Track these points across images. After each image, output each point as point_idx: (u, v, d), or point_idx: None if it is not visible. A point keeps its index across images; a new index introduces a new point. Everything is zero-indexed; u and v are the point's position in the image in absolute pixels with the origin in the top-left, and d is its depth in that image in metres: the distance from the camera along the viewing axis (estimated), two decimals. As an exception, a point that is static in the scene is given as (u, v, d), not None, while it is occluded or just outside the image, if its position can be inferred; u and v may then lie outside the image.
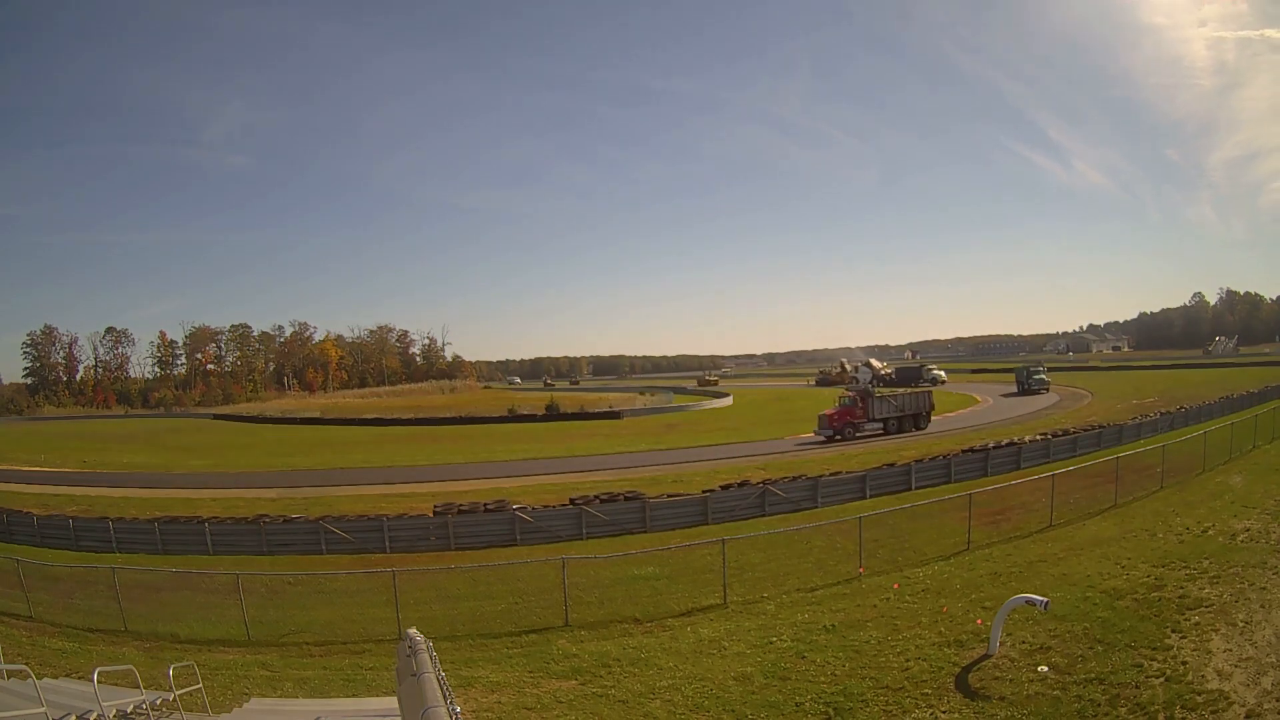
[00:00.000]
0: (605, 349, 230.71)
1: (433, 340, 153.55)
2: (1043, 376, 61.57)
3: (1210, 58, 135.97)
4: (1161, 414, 32.91)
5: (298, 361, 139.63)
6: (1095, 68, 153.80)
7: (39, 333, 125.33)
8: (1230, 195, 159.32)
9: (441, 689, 4.60)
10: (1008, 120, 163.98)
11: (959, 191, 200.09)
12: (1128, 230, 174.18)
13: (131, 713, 7.20)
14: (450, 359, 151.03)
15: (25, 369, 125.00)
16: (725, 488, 21.07)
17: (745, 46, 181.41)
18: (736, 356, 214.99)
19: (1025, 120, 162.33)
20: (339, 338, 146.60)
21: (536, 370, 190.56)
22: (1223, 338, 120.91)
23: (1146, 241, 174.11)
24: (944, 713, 8.26)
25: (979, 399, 56.68)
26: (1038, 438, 27.24)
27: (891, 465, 23.47)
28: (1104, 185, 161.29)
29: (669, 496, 20.96)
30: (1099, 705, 8.04)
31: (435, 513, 19.92)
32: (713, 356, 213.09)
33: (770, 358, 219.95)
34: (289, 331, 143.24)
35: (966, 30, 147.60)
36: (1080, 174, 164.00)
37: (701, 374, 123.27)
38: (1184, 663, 8.83)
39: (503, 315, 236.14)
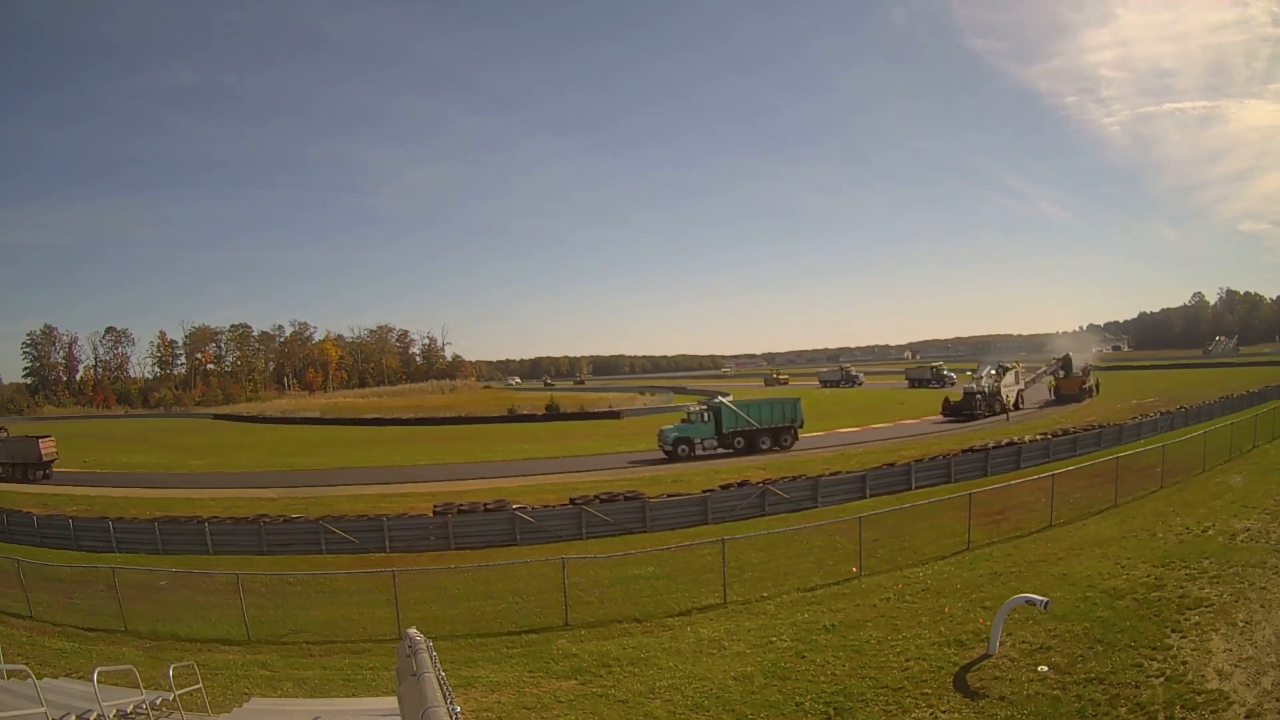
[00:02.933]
0: (605, 349, 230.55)
1: (433, 340, 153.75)
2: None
3: (1124, 132, 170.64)
4: (1161, 414, 32.90)
5: (298, 361, 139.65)
6: (1036, 144, 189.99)
7: (39, 333, 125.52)
8: (1182, 217, 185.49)
9: (441, 689, 4.60)
10: (974, 173, 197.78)
11: (945, 219, 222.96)
12: (1096, 249, 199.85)
13: (131, 713, 7.19)
14: (450, 359, 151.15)
15: (25, 369, 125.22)
16: (725, 487, 21.07)
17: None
18: (736, 356, 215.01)
19: (989, 174, 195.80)
20: (339, 338, 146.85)
21: (536, 370, 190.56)
22: (1223, 338, 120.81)
23: (1115, 256, 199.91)
24: (944, 712, 8.26)
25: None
26: (1038, 438, 27.25)
27: (891, 465, 23.47)
28: (1064, 216, 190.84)
29: (669, 496, 20.95)
30: (1099, 705, 8.04)
31: (435, 513, 19.92)
32: (713, 356, 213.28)
33: (770, 357, 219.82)
34: (289, 331, 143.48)
35: (939, 118, 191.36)
36: (1042, 209, 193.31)
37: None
38: (1184, 663, 8.83)
39: (503, 315, 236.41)
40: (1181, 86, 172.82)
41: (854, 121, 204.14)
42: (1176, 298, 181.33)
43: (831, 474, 22.47)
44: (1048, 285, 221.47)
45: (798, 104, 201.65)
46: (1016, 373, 45.31)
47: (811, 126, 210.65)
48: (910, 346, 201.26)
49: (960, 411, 41.85)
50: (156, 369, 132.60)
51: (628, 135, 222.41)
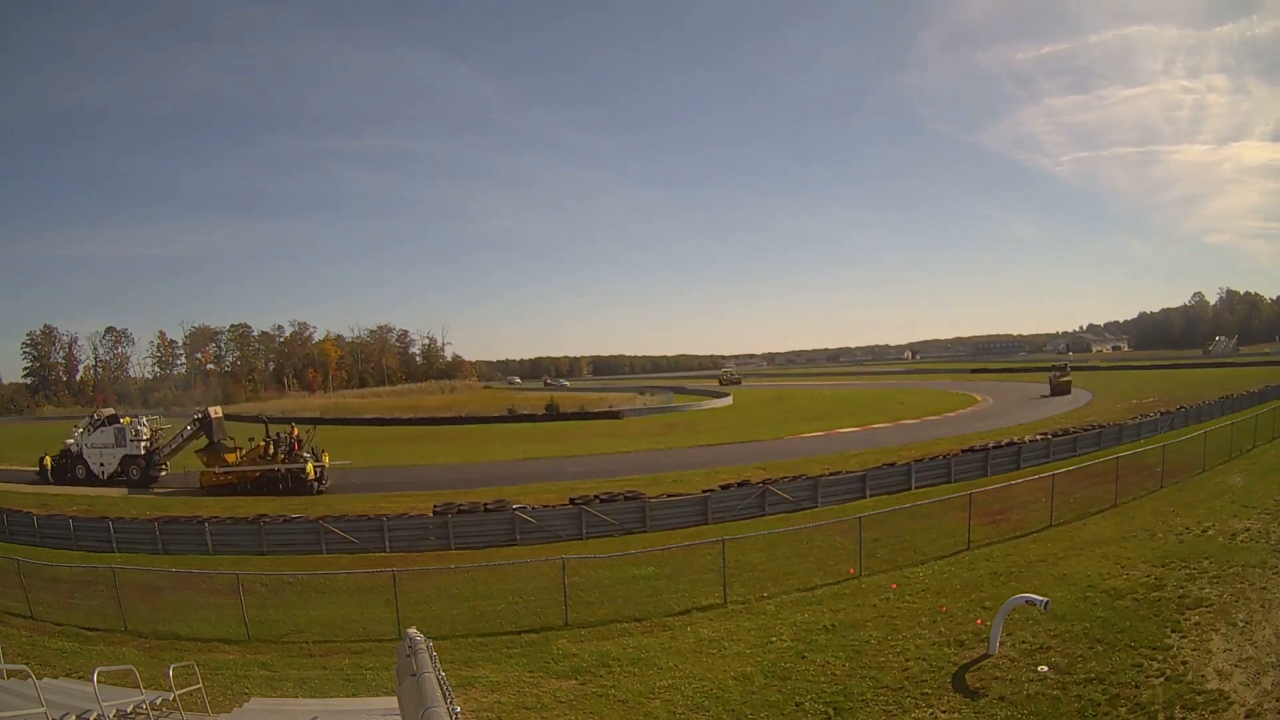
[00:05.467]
0: (605, 349, 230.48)
1: (433, 340, 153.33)
2: None
3: (1073, 173, 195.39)
4: (1161, 414, 32.90)
5: (298, 361, 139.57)
6: (1002, 184, 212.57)
7: (39, 333, 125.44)
8: (1146, 233, 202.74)
9: (441, 689, 4.60)
10: (955, 205, 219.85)
11: (938, 236, 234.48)
12: (1075, 261, 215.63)
13: (131, 713, 7.20)
14: (450, 359, 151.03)
15: (25, 369, 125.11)
16: (725, 488, 21.06)
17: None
18: (737, 356, 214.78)
19: (967, 205, 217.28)
20: (339, 338, 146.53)
21: (536, 370, 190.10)
22: (1223, 338, 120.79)
23: (1093, 269, 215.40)
24: (944, 712, 8.26)
25: (978, 398, 56.69)
26: (1038, 438, 27.26)
27: (892, 465, 23.48)
28: (1039, 235, 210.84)
29: (669, 496, 20.95)
30: (1099, 705, 8.04)
31: (435, 512, 19.93)
32: (713, 356, 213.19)
33: (770, 357, 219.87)
34: (289, 331, 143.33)
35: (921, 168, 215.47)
36: (1018, 231, 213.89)
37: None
38: (1184, 663, 8.83)
39: (503, 315, 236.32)
40: (1113, 140, 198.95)
41: (844, 170, 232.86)
42: (1176, 298, 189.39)
43: (831, 474, 22.47)
44: (1041, 289, 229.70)
45: (806, 163, 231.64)
46: (121, 429, 31.82)
47: (812, 178, 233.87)
48: (911, 346, 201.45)
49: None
50: (156, 369, 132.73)
51: (634, 142, 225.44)
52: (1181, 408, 34.17)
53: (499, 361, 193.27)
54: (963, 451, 25.26)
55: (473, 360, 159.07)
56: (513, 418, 60.34)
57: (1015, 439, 26.90)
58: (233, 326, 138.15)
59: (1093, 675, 8.70)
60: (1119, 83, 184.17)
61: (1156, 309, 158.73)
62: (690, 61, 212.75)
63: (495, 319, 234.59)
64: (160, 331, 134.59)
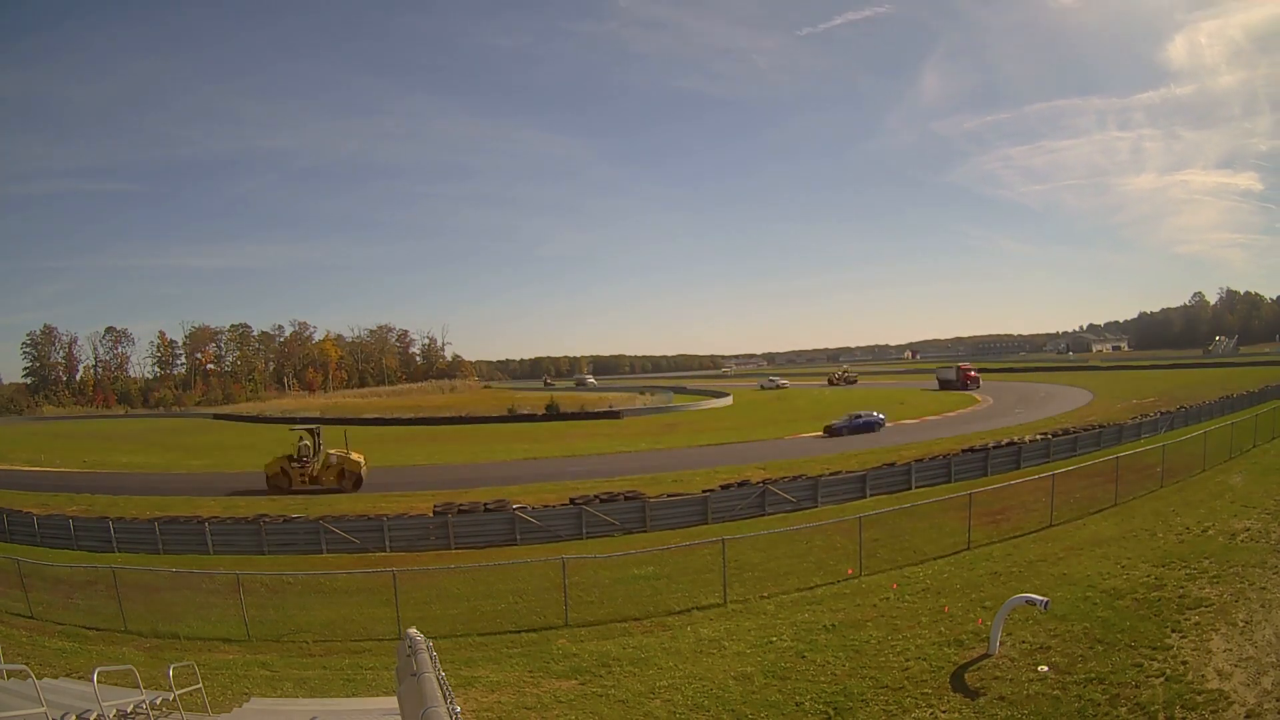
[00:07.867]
0: (605, 349, 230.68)
1: (432, 340, 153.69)
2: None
3: (1036, 199, 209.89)
4: (1161, 414, 32.90)
5: (297, 361, 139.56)
6: (978, 207, 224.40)
7: (39, 333, 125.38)
8: (1118, 246, 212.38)
9: (441, 689, 4.60)
10: (942, 227, 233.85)
11: (931, 243, 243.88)
12: (1058, 269, 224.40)
13: (131, 713, 7.19)
14: (450, 359, 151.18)
15: (25, 369, 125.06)
16: (725, 487, 21.07)
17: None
18: (737, 356, 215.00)
19: (953, 224, 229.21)
20: (339, 338, 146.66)
21: (536, 370, 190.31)
22: (1223, 337, 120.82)
23: (1073, 274, 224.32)
24: (944, 712, 8.26)
25: (978, 398, 56.68)
26: (1038, 438, 27.26)
27: (891, 465, 23.47)
28: (1020, 249, 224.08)
29: (669, 496, 20.95)
30: (1099, 705, 8.04)
31: (435, 512, 19.93)
32: (713, 356, 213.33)
33: (770, 357, 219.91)
34: (289, 331, 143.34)
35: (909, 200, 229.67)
36: (1003, 245, 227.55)
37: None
38: (1184, 662, 8.83)
39: (503, 316, 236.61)
40: (1065, 176, 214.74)
41: (837, 193, 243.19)
42: (1176, 298, 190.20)
43: (831, 474, 22.48)
44: (1037, 292, 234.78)
45: (802, 186, 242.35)
46: None
47: (808, 196, 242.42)
48: (910, 346, 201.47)
49: None
50: (156, 369, 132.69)
51: (639, 146, 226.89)
52: (1181, 408, 34.18)
53: (499, 361, 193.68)
54: (963, 451, 25.27)
55: (473, 360, 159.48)
56: (513, 418, 60.32)
57: (1015, 439, 26.90)
58: (232, 326, 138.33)
59: (1093, 675, 8.70)
60: (1059, 137, 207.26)
61: (1156, 309, 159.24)
62: (699, 116, 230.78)
63: (495, 319, 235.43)
64: (160, 331, 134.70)
